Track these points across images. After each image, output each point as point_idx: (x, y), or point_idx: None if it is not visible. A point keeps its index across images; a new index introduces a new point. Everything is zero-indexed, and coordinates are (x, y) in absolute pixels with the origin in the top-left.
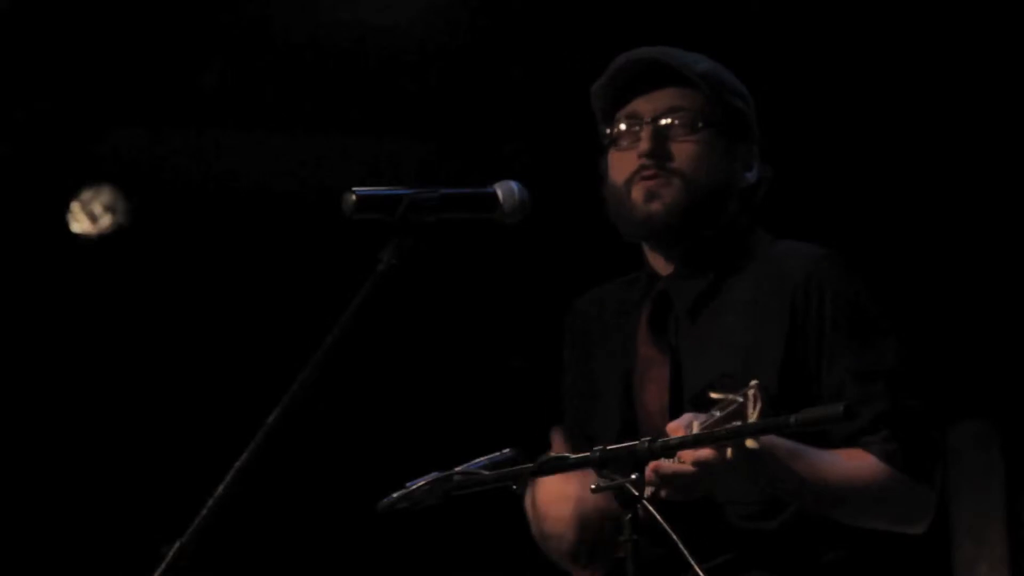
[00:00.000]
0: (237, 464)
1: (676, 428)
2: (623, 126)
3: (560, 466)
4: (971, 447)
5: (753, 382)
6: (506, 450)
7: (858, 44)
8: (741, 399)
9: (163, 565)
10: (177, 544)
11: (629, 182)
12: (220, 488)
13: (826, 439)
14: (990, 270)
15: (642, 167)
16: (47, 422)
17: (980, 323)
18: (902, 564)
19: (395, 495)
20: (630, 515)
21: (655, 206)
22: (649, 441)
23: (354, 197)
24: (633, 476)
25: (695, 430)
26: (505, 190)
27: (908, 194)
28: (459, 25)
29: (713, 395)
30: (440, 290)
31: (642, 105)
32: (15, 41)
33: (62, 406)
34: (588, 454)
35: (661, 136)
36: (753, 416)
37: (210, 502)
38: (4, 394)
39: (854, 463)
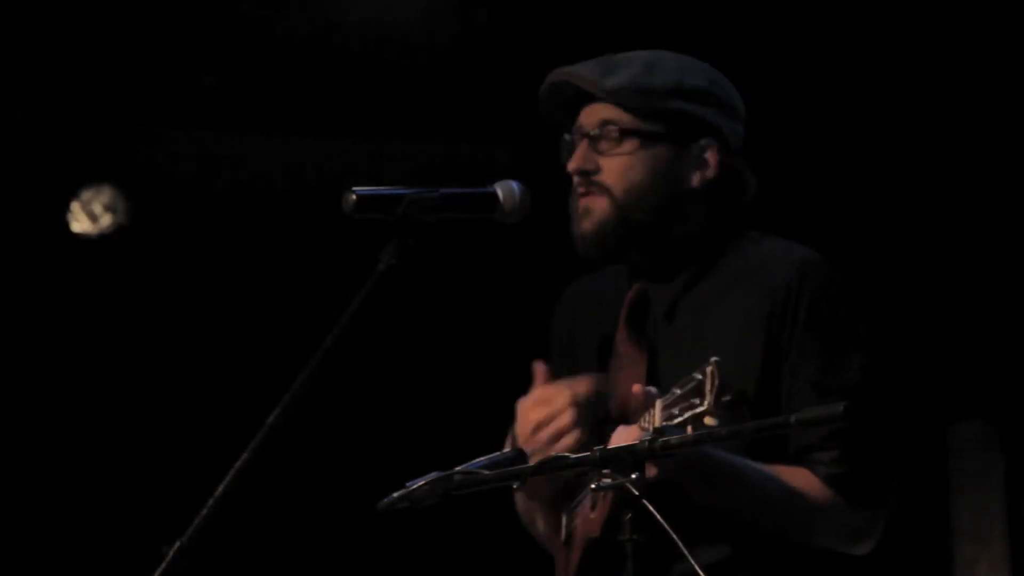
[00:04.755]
0: (237, 464)
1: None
2: (572, 140)
3: (560, 466)
4: (971, 447)
5: (713, 359)
6: (506, 450)
7: (858, 44)
8: (700, 376)
9: (163, 565)
10: (177, 544)
11: (574, 199)
12: (220, 488)
13: (780, 450)
14: (990, 270)
15: (576, 184)
16: (47, 422)
17: (979, 323)
18: (902, 564)
19: (395, 495)
20: (630, 515)
21: (584, 225)
22: (650, 440)
23: (354, 197)
24: (633, 476)
25: (657, 409)
26: (505, 190)
27: (909, 193)
28: (459, 25)
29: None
30: (440, 290)
31: (583, 117)
32: (15, 41)
33: (62, 406)
34: (588, 454)
35: (592, 151)
36: (709, 394)
37: (210, 502)
38: (4, 394)
39: (794, 483)
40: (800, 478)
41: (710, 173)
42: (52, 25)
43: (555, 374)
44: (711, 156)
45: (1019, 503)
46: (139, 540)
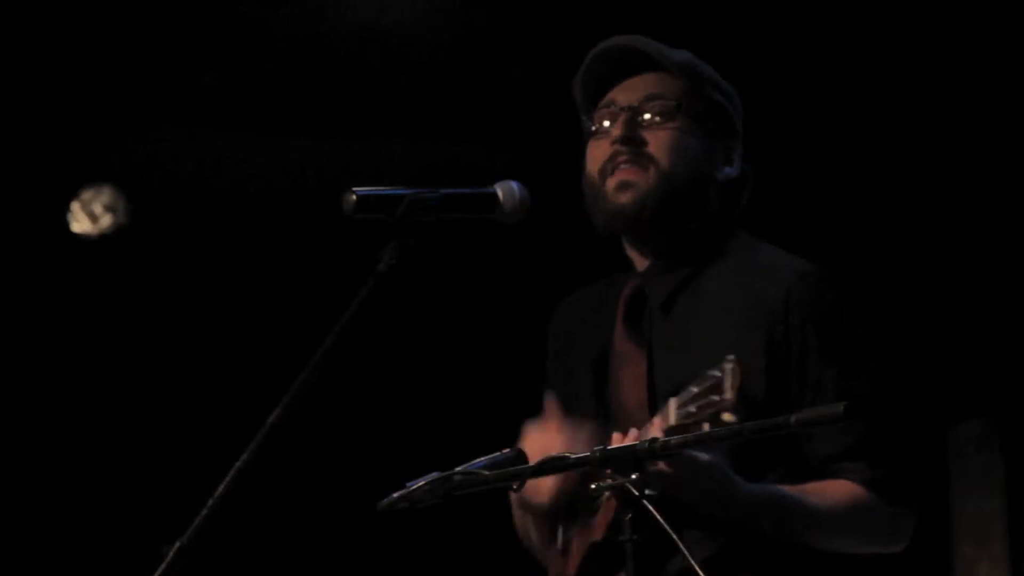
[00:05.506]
0: (237, 464)
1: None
2: (601, 116)
3: (560, 466)
4: (971, 447)
5: (731, 356)
6: (506, 450)
7: (858, 44)
8: (719, 373)
9: (163, 565)
10: (177, 544)
11: (603, 172)
12: (220, 488)
13: (801, 462)
14: (990, 270)
15: (616, 153)
16: (47, 422)
17: (980, 323)
18: (902, 564)
19: (395, 495)
20: (630, 515)
21: (626, 197)
22: (650, 441)
23: (354, 197)
24: (633, 476)
25: (672, 407)
26: (505, 190)
27: (909, 193)
28: (459, 25)
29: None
30: (440, 290)
31: (620, 94)
32: (15, 41)
33: (62, 406)
34: (588, 454)
35: (636, 123)
36: (729, 391)
37: (210, 502)
38: (4, 394)
39: (835, 498)
40: (840, 490)
41: (732, 172)
42: (52, 25)
43: (549, 379)
44: (736, 156)
45: (1019, 504)
46: (139, 540)
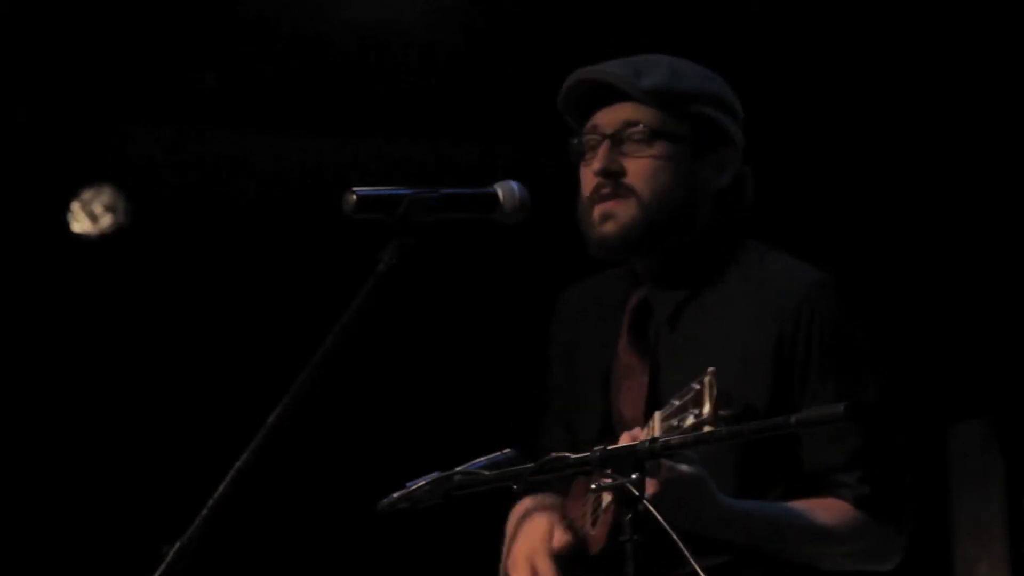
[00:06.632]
0: (237, 464)
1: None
2: (587, 140)
3: (560, 466)
4: (971, 447)
5: (710, 369)
6: (506, 450)
7: (858, 44)
8: (697, 386)
9: (163, 565)
10: (177, 544)
11: (590, 200)
12: (220, 488)
13: (796, 471)
14: (989, 270)
15: (599, 185)
16: (47, 422)
17: (979, 323)
18: (902, 564)
19: (395, 495)
20: (630, 515)
21: (608, 227)
22: (650, 441)
23: (354, 197)
24: (633, 476)
25: (656, 420)
26: (505, 190)
27: (908, 193)
28: (459, 24)
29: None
30: (440, 290)
31: (601, 118)
32: (15, 41)
33: (63, 406)
34: (588, 454)
35: (616, 152)
36: (708, 402)
37: (210, 502)
38: (4, 394)
39: (823, 516)
40: (832, 508)
41: (725, 180)
42: (52, 25)
43: (555, 385)
44: (728, 163)
45: (1019, 503)
46: (139, 540)
